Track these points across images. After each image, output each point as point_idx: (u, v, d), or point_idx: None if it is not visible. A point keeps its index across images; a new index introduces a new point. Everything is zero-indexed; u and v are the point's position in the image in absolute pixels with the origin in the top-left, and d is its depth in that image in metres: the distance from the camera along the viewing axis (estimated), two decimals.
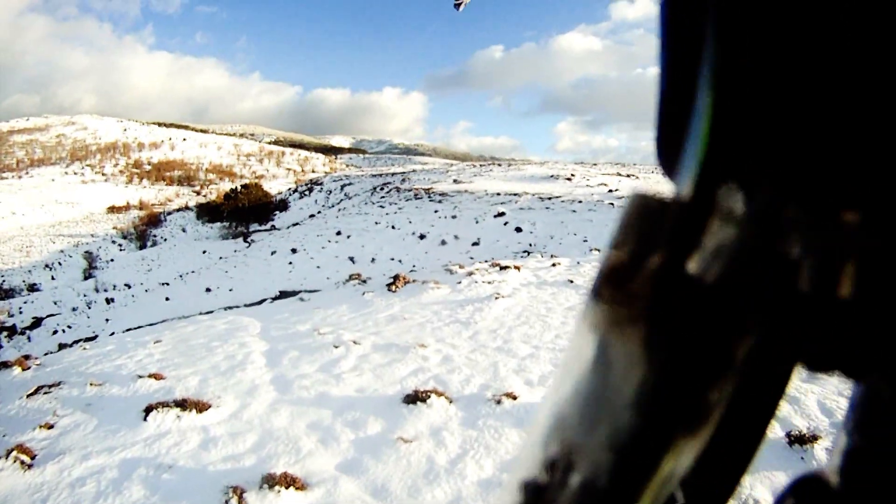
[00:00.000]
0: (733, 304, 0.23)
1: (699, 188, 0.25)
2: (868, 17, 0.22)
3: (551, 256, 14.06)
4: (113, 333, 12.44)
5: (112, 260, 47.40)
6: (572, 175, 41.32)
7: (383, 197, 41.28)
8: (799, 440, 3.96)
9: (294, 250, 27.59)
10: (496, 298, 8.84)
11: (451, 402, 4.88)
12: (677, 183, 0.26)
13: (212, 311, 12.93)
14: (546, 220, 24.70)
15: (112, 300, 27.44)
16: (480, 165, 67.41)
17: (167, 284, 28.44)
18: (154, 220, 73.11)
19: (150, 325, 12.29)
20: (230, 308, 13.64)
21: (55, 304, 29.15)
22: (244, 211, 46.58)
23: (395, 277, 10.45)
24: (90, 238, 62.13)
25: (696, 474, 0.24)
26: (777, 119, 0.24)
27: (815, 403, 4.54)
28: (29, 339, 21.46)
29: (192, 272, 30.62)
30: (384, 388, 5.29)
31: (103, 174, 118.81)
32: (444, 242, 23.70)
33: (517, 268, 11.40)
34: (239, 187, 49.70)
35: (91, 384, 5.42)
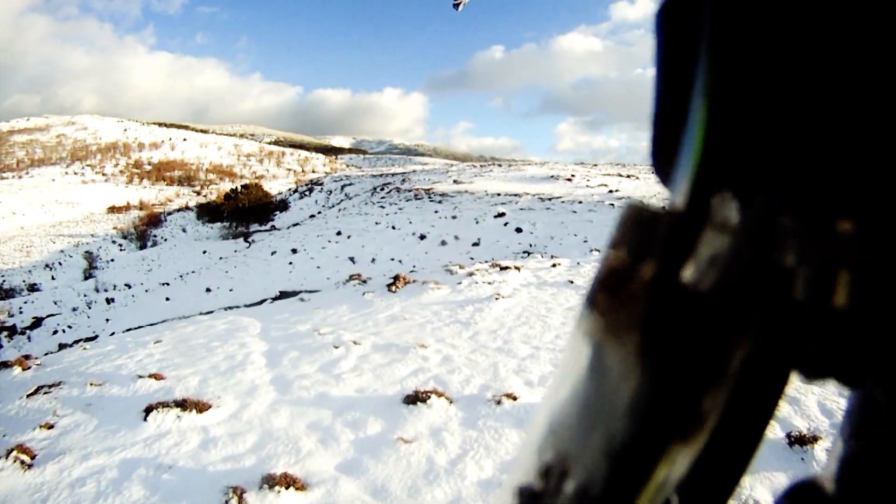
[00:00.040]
0: (728, 312, 0.23)
1: (693, 197, 0.25)
2: (858, 32, 0.22)
3: (551, 257, 14.06)
4: (113, 333, 12.44)
5: (112, 260, 47.39)
6: (572, 176, 41.32)
7: (383, 197, 41.28)
8: (799, 441, 3.96)
9: (294, 250, 27.59)
10: (496, 299, 8.84)
11: (451, 402, 4.88)
12: (672, 191, 0.26)
13: (212, 312, 12.93)
14: (546, 221, 24.70)
15: (112, 300, 27.44)
16: (481, 166, 67.43)
17: (167, 284, 28.45)
18: (154, 221, 73.11)
19: (151, 325, 12.29)
20: (230, 308, 13.64)
21: (55, 304, 29.16)
22: (244, 211, 46.58)
23: (396, 278, 10.45)
24: (90, 238, 62.11)
25: (691, 480, 0.24)
26: (771, 129, 0.24)
27: (816, 404, 4.54)
28: (29, 338, 21.46)
29: (193, 272, 30.63)
30: (384, 388, 5.29)
31: (104, 174, 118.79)
32: (444, 243, 23.70)
33: (517, 268, 11.40)
34: (239, 187, 49.71)
35: (91, 384, 5.42)
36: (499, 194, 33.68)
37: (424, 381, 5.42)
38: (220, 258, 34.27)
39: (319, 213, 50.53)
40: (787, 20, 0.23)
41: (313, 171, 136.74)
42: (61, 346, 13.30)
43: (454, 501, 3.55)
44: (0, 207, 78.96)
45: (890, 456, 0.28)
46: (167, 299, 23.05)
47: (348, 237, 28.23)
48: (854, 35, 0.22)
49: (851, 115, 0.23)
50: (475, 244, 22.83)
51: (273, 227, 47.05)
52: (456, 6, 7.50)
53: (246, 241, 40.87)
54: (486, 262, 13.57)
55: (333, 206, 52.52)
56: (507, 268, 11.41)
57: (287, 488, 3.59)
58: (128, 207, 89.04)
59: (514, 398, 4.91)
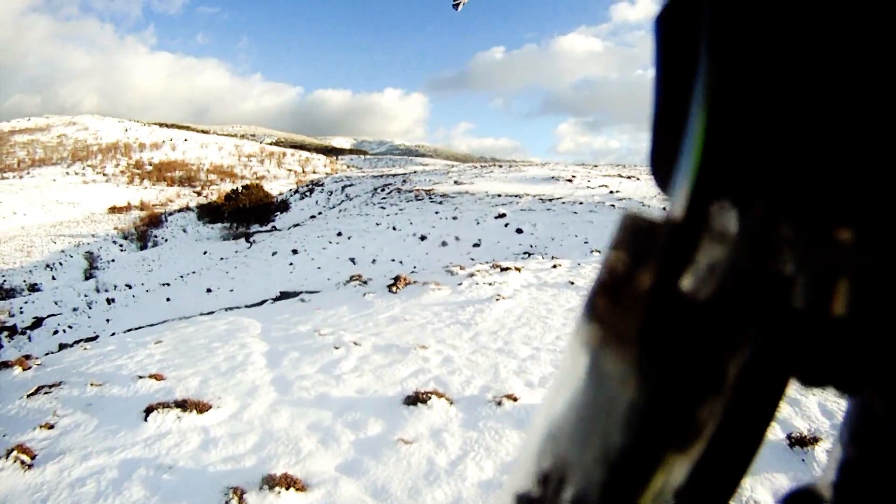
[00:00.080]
0: (726, 321, 0.23)
1: (692, 205, 0.25)
2: (858, 39, 0.22)
3: (552, 258, 14.07)
4: (114, 334, 12.45)
5: (113, 260, 47.41)
6: (573, 176, 41.32)
7: (384, 198, 41.28)
8: (800, 442, 3.96)
9: (295, 251, 27.61)
10: (497, 300, 8.84)
11: (451, 403, 4.87)
12: (671, 199, 0.26)
13: (212, 312, 12.94)
14: (547, 222, 24.71)
15: (113, 300, 27.45)
16: (481, 167, 67.46)
17: (168, 285, 28.45)
18: (155, 221, 73.14)
19: (151, 325, 12.30)
20: (231, 309, 13.65)
21: (56, 304, 29.17)
22: (245, 212, 46.62)
23: (396, 278, 10.45)
24: (91, 238, 62.12)
25: (689, 487, 0.24)
26: (770, 135, 0.24)
27: (816, 405, 4.54)
28: (30, 338, 21.47)
29: (193, 273, 30.64)
30: (385, 389, 5.29)
31: (104, 174, 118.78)
32: (444, 244, 23.70)
33: (518, 269, 11.40)
34: (240, 188, 49.77)
35: (91, 384, 5.42)
36: (499, 195, 33.68)
37: (425, 381, 5.42)
38: (221, 259, 34.29)
39: (320, 213, 50.54)
40: (787, 26, 0.23)
41: (314, 172, 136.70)
42: (62, 346, 13.30)
43: (454, 502, 3.55)
44: (1, 207, 78.95)
45: (888, 463, 0.28)
46: (168, 300, 23.06)
47: (349, 238, 28.24)
48: (853, 42, 0.22)
49: (851, 123, 0.23)
50: (476, 245, 22.84)
51: (274, 228, 47.07)
52: (455, 6, 7.51)
53: (247, 241, 40.88)
54: (487, 262, 13.57)
55: (334, 207, 52.53)
56: (507, 269, 11.41)
57: (287, 489, 3.58)
58: (128, 208, 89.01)
59: (515, 399, 4.91)
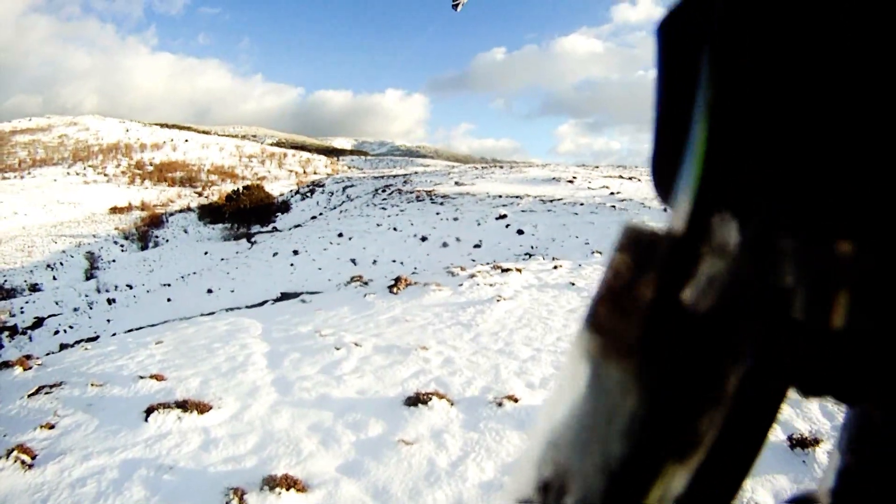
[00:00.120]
0: (726, 333, 0.23)
1: (694, 217, 0.25)
2: (858, 59, 0.22)
3: (553, 259, 14.07)
4: (114, 334, 12.44)
5: (114, 260, 47.48)
6: (574, 177, 41.36)
7: (385, 199, 41.33)
8: (801, 444, 3.95)
9: (296, 252, 27.63)
10: (498, 301, 8.84)
11: (452, 404, 4.87)
12: (673, 210, 0.27)
13: (213, 313, 12.95)
14: (548, 223, 24.72)
15: (113, 301, 27.48)
16: (482, 168, 67.51)
17: (169, 285, 28.49)
18: (156, 221, 73.24)
19: (152, 325, 12.31)
20: (231, 309, 13.65)
21: (57, 304, 29.19)
22: (246, 212, 46.66)
23: (397, 279, 10.45)
24: (92, 238, 62.20)
25: (689, 495, 0.24)
26: (771, 149, 0.24)
27: (817, 407, 4.53)
28: (30, 338, 21.49)
29: (194, 273, 30.66)
30: (385, 390, 5.29)
31: (105, 175, 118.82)
32: (445, 244, 23.72)
33: (519, 270, 11.39)
34: (241, 188, 49.81)
35: (92, 384, 5.42)
36: (500, 196, 33.71)
37: (426, 382, 5.42)
38: (222, 259, 34.32)
39: (321, 214, 50.62)
40: (790, 40, 0.23)
41: (315, 173, 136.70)
42: (62, 347, 13.31)
43: (455, 503, 3.55)
44: (2, 207, 79.00)
45: (885, 470, 0.28)
46: (168, 300, 23.08)
47: (350, 239, 28.26)
48: (855, 59, 0.22)
49: (852, 137, 0.23)
50: (477, 246, 22.86)
51: (275, 229, 47.14)
52: (455, 6, 7.52)
53: (248, 242, 40.91)
54: (488, 263, 13.57)
55: (335, 208, 52.61)
56: (508, 270, 11.41)
57: (288, 490, 3.58)
58: (129, 208, 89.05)
59: (516, 400, 4.91)
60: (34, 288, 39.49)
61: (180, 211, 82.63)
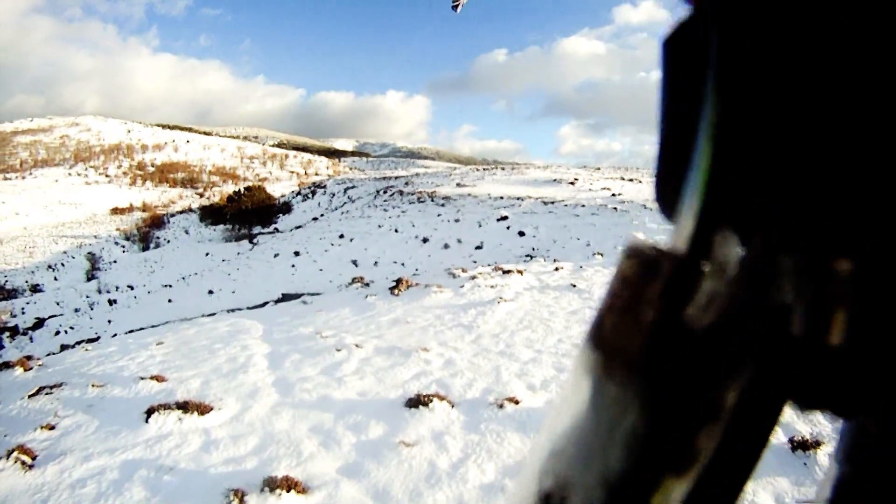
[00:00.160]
0: (725, 350, 0.23)
1: (697, 236, 0.25)
2: (860, 82, 0.23)
3: (554, 260, 14.05)
4: (115, 335, 12.46)
5: (115, 261, 47.54)
6: (575, 179, 41.38)
7: (386, 200, 41.36)
8: (802, 446, 3.94)
9: (297, 253, 27.65)
10: (499, 302, 8.83)
11: (453, 406, 4.87)
12: (676, 226, 0.27)
13: (214, 314, 12.95)
14: (549, 224, 24.72)
15: (114, 301, 27.51)
16: (484, 169, 67.53)
17: (170, 286, 28.52)
18: (157, 222, 73.36)
19: (153, 326, 12.32)
20: (232, 310, 13.65)
21: (58, 304, 29.24)
22: (247, 213, 46.71)
23: (398, 281, 10.45)
24: (93, 239, 62.31)
25: None
26: (772, 170, 0.25)
27: None
28: (31, 339, 21.52)
29: (195, 274, 30.69)
30: (386, 391, 5.28)
31: (107, 175, 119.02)
32: (446, 246, 23.73)
33: (520, 272, 11.38)
34: (242, 190, 49.86)
35: (93, 385, 5.42)
36: (502, 198, 33.73)
37: (426, 384, 5.41)
38: (223, 260, 34.35)
39: (322, 215, 50.65)
40: (793, 63, 0.24)
41: (316, 174, 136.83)
42: (63, 347, 13.34)
43: None
44: (3, 208, 79.16)
45: (881, 482, 0.29)
46: (169, 301, 23.11)
47: (351, 240, 28.27)
48: (858, 80, 0.23)
49: (853, 159, 0.23)
50: (478, 247, 22.87)
51: (276, 230, 47.18)
52: (455, 7, 7.52)
53: (249, 243, 40.94)
54: (489, 265, 13.56)
55: (336, 209, 52.63)
56: (509, 271, 11.40)
57: (288, 491, 3.58)
58: (131, 209, 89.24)
59: (517, 402, 4.90)
60: (35, 288, 39.56)
61: (181, 212, 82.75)
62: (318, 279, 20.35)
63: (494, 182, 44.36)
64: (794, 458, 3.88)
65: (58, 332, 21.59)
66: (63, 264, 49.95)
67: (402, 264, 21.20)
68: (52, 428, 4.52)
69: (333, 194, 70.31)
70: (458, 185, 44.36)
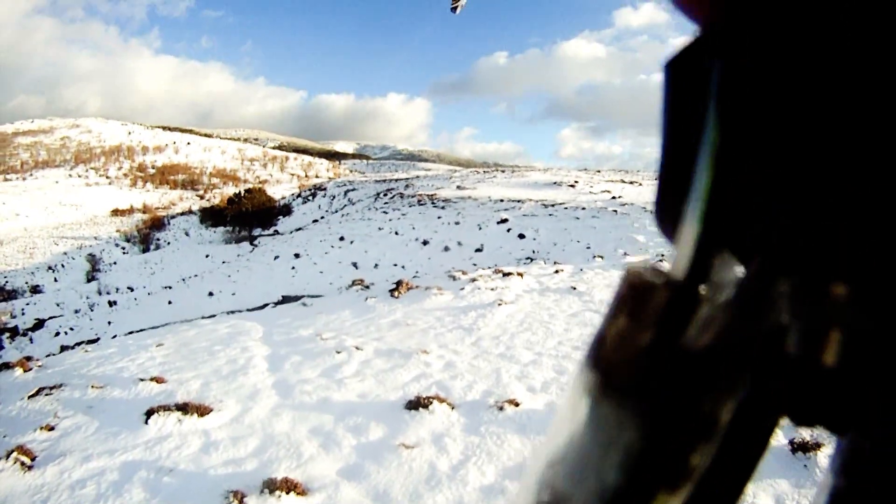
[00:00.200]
0: (720, 370, 0.24)
1: (696, 258, 0.26)
2: (858, 115, 0.23)
3: (554, 263, 14.04)
4: (115, 336, 12.45)
5: (115, 263, 47.58)
6: (576, 182, 41.39)
7: (387, 203, 41.38)
8: (802, 448, 3.94)
9: (297, 255, 27.63)
10: (499, 305, 8.83)
11: (453, 408, 4.86)
12: (676, 248, 0.27)
13: (214, 315, 12.94)
14: (549, 227, 24.71)
15: (114, 303, 27.49)
16: (484, 172, 67.60)
17: (170, 288, 28.49)
18: (157, 224, 73.40)
19: (153, 328, 12.31)
20: (233, 312, 13.64)
21: (58, 305, 29.22)
22: (247, 215, 46.74)
23: (398, 283, 10.45)
24: (93, 241, 62.33)
25: None
26: (770, 198, 0.25)
27: None
28: (31, 340, 21.51)
29: (195, 276, 30.68)
30: (386, 393, 5.28)
31: (107, 177, 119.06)
32: (447, 248, 23.72)
33: (520, 274, 11.38)
34: (242, 192, 49.91)
35: (92, 386, 5.42)
36: (502, 200, 33.74)
37: (427, 386, 5.41)
38: (223, 262, 34.35)
39: (322, 217, 50.66)
40: (794, 93, 0.24)
41: (317, 176, 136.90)
42: (63, 348, 13.33)
43: None
44: (3, 209, 79.19)
45: (874, 497, 0.29)
46: (169, 302, 23.10)
47: (351, 242, 28.26)
48: (858, 109, 0.23)
49: (851, 187, 0.24)
50: (478, 250, 22.85)
51: (276, 232, 47.20)
52: (454, 9, 7.53)
53: (249, 245, 40.95)
54: (489, 267, 13.56)
55: (337, 212, 52.68)
56: (509, 274, 11.40)
57: (288, 493, 3.58)
58: (131, 210, 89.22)
59: (517, 404, 4.90)
60: (35, 289, 39.54)
61: (182, 214, 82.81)
62: (319, 281, 20.34)
63: (494, 185, 44.38)
64: (795, 461, 3.88)
65: (58, 334, 21.57)
66: (63, 265, 49.96)
67: (403, 267, 21.19)
68: (52, 429, 4.51)
69: (334, 196, 70.39)
70: (458, 187, 44.39)
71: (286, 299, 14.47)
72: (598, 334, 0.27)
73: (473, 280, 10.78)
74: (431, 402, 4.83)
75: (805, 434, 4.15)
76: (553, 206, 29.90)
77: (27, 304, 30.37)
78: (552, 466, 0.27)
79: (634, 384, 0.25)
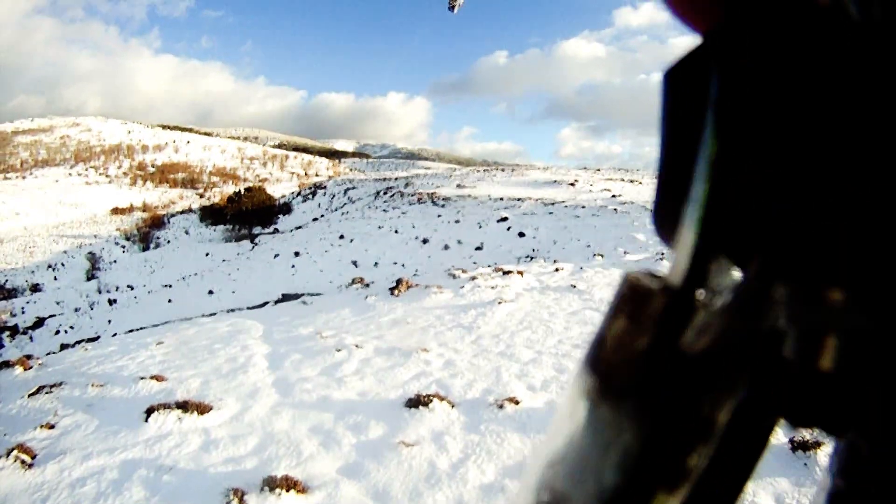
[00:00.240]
0: (717, 373, 0.24)
1: (692, 264, 0.26)
2: (853, 128, 0.24)
3: (554, 261, 14.04)
4: (115, 334, 12.44)
5: (115, 261, 47.58)
6: (575, 180, 41.42)
7: (386, 201, 41.40)
8: (802, 446, 3.94)
9: (297, 254, 27.66)
10: (499, 303, 8.83)
11: (453, 406, 4.86)
12: (673, 255, 0.28)
13: (214, 314, 12.95)
14: (549, 226, 24.73)
15: (114, 301, 27.50)
16: (484, 170, 67.59)
17: (170, 286, 28.52)
18: (157, 223, 73.42)
19: (153, 326, 12.31)
20: (233, 310, 13.64)
21: (58, 304, 29.23)
22: (247, 214, 46.74)
23: (398, 281, 10.45)
24: (93, 239, 62.33)
25: None
26: (767, 206, 0.25)
27: None
28: (31, 338, 21.51)
29: (195, 274, 30.69)
30: (386, 391, 5.28)
31: (107, 176, 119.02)
32: (447, 247, 23.73)
33: (520, 273, 11.38)
34: (242, 190, 49.90)
35: (92, 385, 5.42)
36: (502, 199, 33.75)
37: (427, 384, 5.41)
38: (223, 260, 34.36)
39: (322, 216, 50.69)
40: (790, 102, 0.24)
41: (317, 175, 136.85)
42: (63, 347, 13.31)
43: None
44: (3, 208, 79.16)
45: (872, 498, 0.29)
46: (169, 301, 23.11)
47: (351, 241, 28.28)
48: (854, 130, 0.24)
49: (847, 196, 0.24)
50: (478, 248, 22.87)
51: (276, 231, 47.21)
52: (451, 8, 7.53)
53: (249, 243, 40.95)
54: (489, 266, 13.56)
55: (336, 210, 52.68)
56: (509, 272, 11.40)
57: (288, 491, 3.58)
58: (131, 209, 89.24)
59: (517, 403, 4.90)
60: (35, 288, 39.55)
61: (182, 212, 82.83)
62: (319, 280, 20.34)
63: (495, 183, 44.38)
64: (795, 459, 3.87)
65: (58, 332, 21.58)
66: (63, 264, 49.96)
67: (403, 265, 21.21)
68: (52, 427, 4.52)
69: (333, 195, 70.42)
70: (458, 186, 44.40)
71: (286, 297, 14.47)
72: (597, 337, 0.28)
73: (473, 278, 10.78)
74: (431, 401, 4.83)
75: (805, 433, 4.15)
76: (553, 204, 29.92)
77: (27, 303, 30.40)
78: (552, 466, 0.27)
79: (633, 386, 0.25)
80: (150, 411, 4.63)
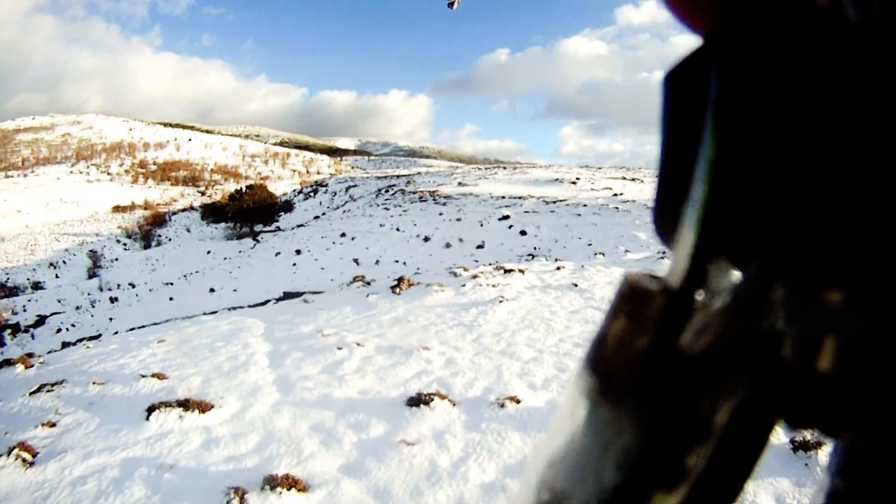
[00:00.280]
0: (716, 374, 0.24)
1: (692, 265, 0.26)
2: (854, 132, 0.24)
3: (556, 260, 14.04)
4: (116, 332, 12.46)
5: (116, 259, 47.58)
6: (577, 179, 41.40)
7: (388, 199, 41.38)
8: (803, 446, 3.93)
9: (298, 251, 27.67)
10: (500, 302, 8.83)
11: (454, 405, 4.86)
12: (674, 254, 0.28)
13: (215, 312, 12.95)
14: (551, 224, 24.73)
15: (116, 299, 27.53)
16: (485, 168, 67.60)
17: (171, 284, 28.54)
18: (159, 220, 73.40)
19: (154, 324, 12.30)
20: (234, 308, 13.66)
21: (59, 302, 29.26)
22: (249, 212, 46.76)
23: (399, 280, 10.44)
24: (95, 237, 62.36)
25: None
26: (766, 207, 0.25)
27: None
28: (32, 336, 21.54)
29: (197, 272, 30.72)
30: (387, 390, 5.28)
31: (108, 174, 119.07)
32: (448, 245, 23.73)
33: (521, 271, 11.37)
34: (244, 188, 49.92)
35: (94, 383, 5.42)
36: (503, 197, 33.74)
37: (427, 383, 5.41)
38: (225, 258, 34.39)
39: (324, 214, 50.70)
40: (789, 105, 0.24)
41: (318, 173, 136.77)
42: (64, 345, 13.33)
43: None
44: (5, 206, 79.19)
45: (871, 498, 0.30)
46: (171, 299, 23.12)
47: (352, 239, 28.29)
48: (854, 133, 0.24)
49: (845, 198, 0.24)
50: (479, 247, 22.87)
51: (277, 228, 47.21)
52: (450, 5, 7.53)
53: (251, 241, 40.97)
54: (491, 264, 13.55)
55: (338, 208, 52.67)
56: (511, 270, 11.39)
57: (289, 489, 3.58)
58: (132, 207, 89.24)
59: (518, 401, 4.89)
60: (37, 286, 39.60)
61: (183, 210, 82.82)
62: (320, 278, 20.35)
63: (496, 181, 44.40)
64: (796, 459, 3.87)
65: (59, 330, 21.61)
66: (65, 262, 50.01)
67: (404, 263, 21.21)
68: (53, 425, 4.52)
69: (335, 193, 70.40)
70: (459, 184, 44.39)
71: (287, 296, 14.47)
72: (597, 337, 0.27)
73: (475, 277, 10.77)
74: (432, 399, 4.83)
75: (806, 433, 4.15)
76: (554, 202, 29.91)
77: (29, 301, 30.42)
78: (552, 465, 0.27)
79: (633, 386, 0.25)
80: (151, 409, 4.63)
